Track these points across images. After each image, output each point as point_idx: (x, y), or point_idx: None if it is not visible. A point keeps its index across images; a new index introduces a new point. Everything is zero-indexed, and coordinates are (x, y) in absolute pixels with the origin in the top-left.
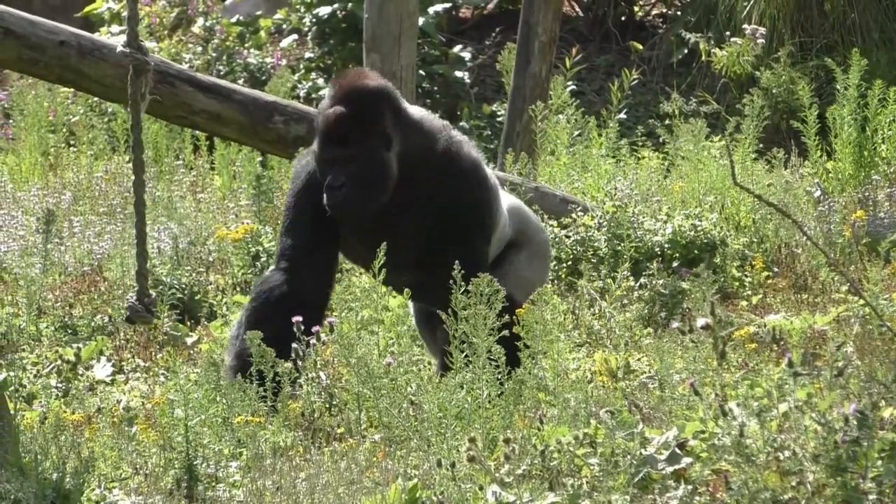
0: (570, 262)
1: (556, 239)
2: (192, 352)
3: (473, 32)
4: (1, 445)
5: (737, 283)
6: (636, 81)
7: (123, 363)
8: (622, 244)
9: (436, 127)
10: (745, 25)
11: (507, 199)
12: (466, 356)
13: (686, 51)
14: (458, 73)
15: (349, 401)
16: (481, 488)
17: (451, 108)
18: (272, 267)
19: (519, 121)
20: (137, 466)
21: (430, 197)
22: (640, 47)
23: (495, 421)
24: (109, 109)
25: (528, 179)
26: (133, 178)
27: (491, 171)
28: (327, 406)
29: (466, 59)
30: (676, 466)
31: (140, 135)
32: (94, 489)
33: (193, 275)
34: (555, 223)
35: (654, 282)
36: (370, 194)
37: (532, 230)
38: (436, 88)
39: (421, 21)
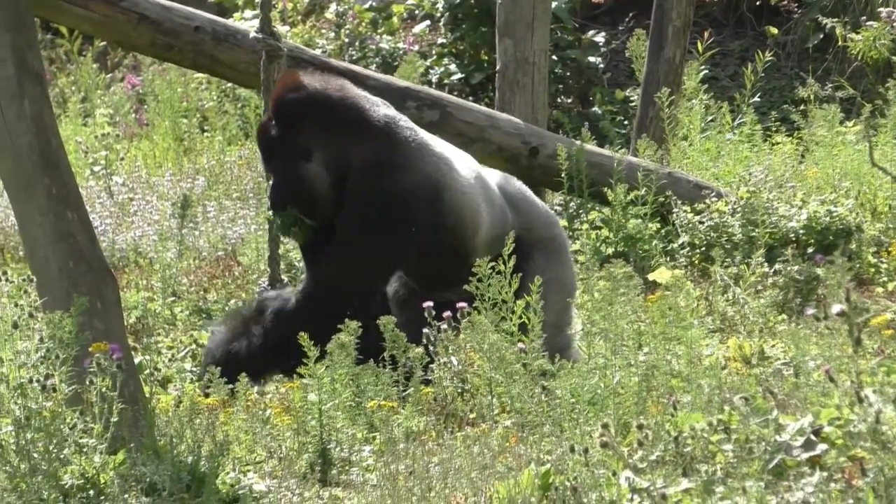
0: (703, 248)
1: (689, 225)
2: None
3: (607, 17)
4: (136, 429)
5: (872, 270)
6: (769, 65)
7: None
8: (756, 230)
9: (374, 131)
10: (882, 9)
11: (500, 190)
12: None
13: (822, 35)
14: (592, 59)
15: (481, 386)
16: (614, 474)
17: (584, 94)
18: None
19: (652, 106)
20: (272, 450)
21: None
22: (776, 31)
23: (628, 407)
24: (242, 95)
25: (660, 165)
26: (264, 163)
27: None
28: (459, 391)
29: (600, 44)
30: (811, 453)
31: None
32: (228, 473)
33: None
34: (688, 208)
35: (788, 268)
36: (297, 208)
37: (540, 226)
38: (568, 74)
39: (554, 5)
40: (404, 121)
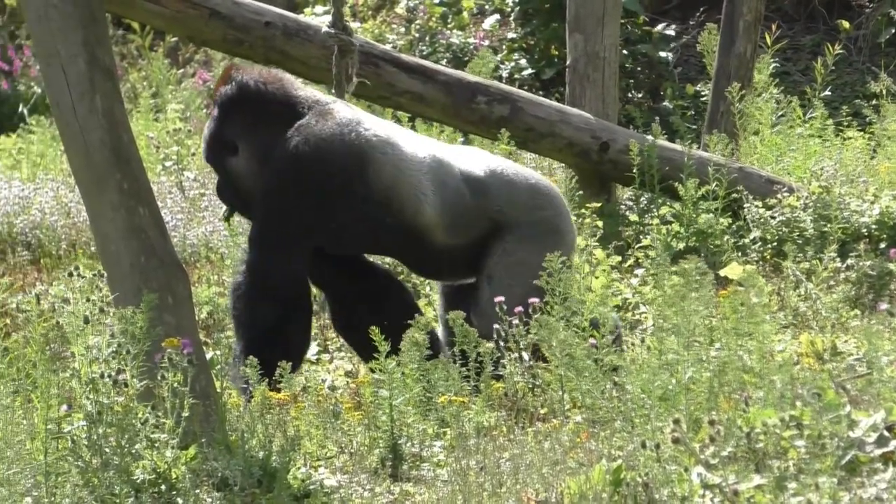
0: (774, 243)
1: (761, 220)
2: None
3: (677, 12)
4: (208, 424)
5: None
6: (840, 59)
7: (328, 342)
8: (828, 225)
9: (299, 117)
10: None
11: (480, 169)
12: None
13: (893, 30)
14: (662, 53)
15: (552, 381)
16: (686, 470)
17: (655, 89)
18: None
19: (722, 101)
20: (342, 445)
21: None
22: (848, 26)
23: (699, 402)
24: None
25: (731, 159)
26: None
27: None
28: (530, 387)
29: (670, 38)
30: (885, 449)
31: None
32: (299, 468)
33: None
34: (759, 203)
35: (860, 263)
36: (234, 198)
37: (521, 208)
38: (639, 68)
39: (624, 0)
40: (335, 103)
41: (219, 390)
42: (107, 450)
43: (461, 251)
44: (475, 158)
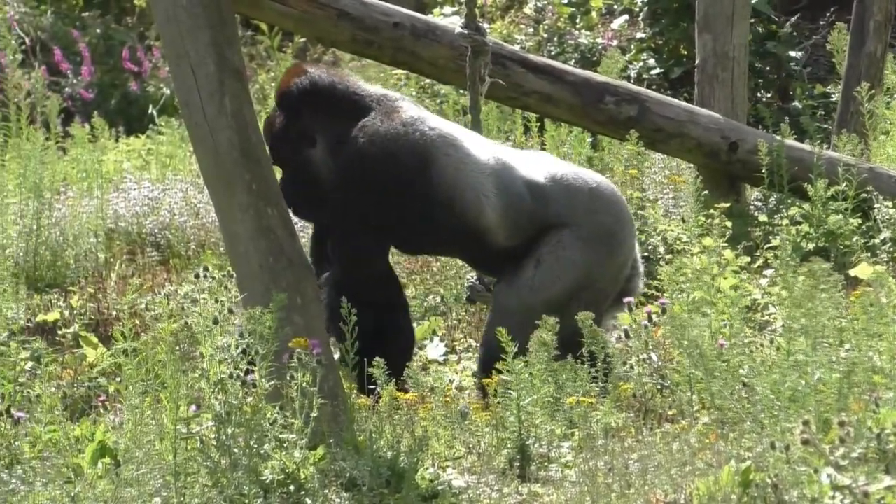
0: None
1: (891, 220)
2: None
3: (807, 11)
4: (337, 424)
5: None
6: None
7: (456, 343)
8: None
9: (368, 110)
10: None
11: (542, 174)
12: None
13: None
14: (791, 53)
15: (681, 382)
16: (816, 471)
17: (784, 89)
18: None
19: (852, 101)
20: (470, 446)
21: None
22: None
23: (829, 404)
24: (442, 91)
25: (861, 160)
26: None
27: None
28: (659, 387)
29: (800, 38)
30: None
31: (478, 115)
32: (427, 468)
33: None
34: (890, 203)
35: None
36: (303, 195)
37: (580, 213)
38: (768, 68)
39: (754, 0)
40: (402, 100)
41: (346, 390)
42: (235, 450)
43: (519, 250)
44: (538, 164)
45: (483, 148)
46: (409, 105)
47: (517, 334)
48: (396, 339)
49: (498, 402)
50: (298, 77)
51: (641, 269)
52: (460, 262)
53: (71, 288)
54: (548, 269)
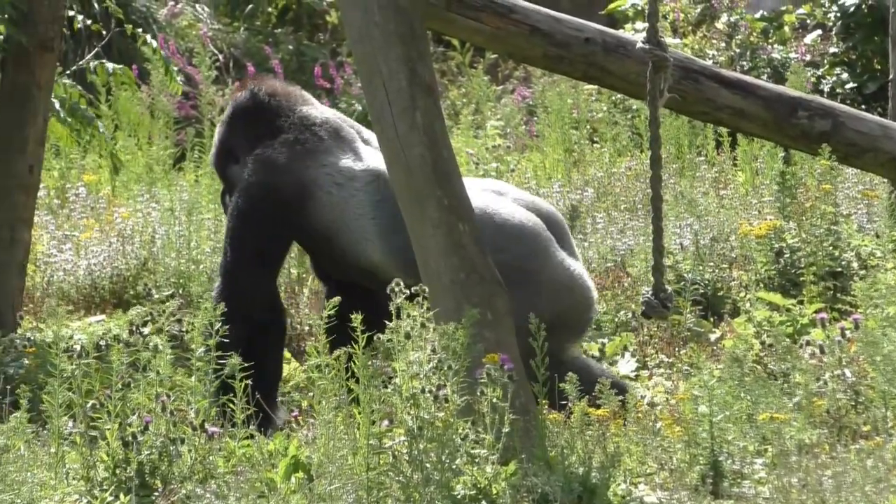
0: None
1: None
2: (715, 348)
3: None
4: (528, 440)
5: None
6: None
7: (647, 359)
8: None
9: (279, 133)
10: None
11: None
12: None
13: None
14: None
15: (875, 398)
16: None
17: None
18: None
19: None
20: (662, 462)
21: None
22: None
23: None
24: (633, 106)
25: None
26: (650, 173)
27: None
28: (853, 403)
29: None
30: None
31: (658, 130)
32: (619, 484)
33: (716, 271)
34: None
35: None
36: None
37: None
38: None
39: None
40: (323, 127)
41: (538, 406)
42: (427, 465)
43: None
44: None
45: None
46: (326, 135)
47: None
48: (263, 361)
49: (690, 418)
50: (240, 90)
51: (588, 293)
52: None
53: None
54: None
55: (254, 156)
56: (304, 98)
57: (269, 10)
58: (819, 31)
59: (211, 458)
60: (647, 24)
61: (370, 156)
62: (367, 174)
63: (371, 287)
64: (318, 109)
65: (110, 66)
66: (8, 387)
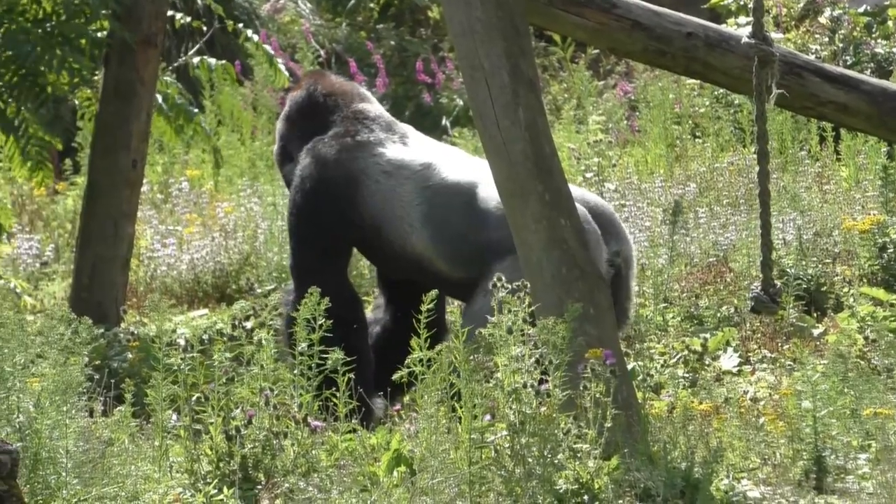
0: None
1: None
2: (818, 343)
3: None
4: (630, 435)
5: None
6: None
7: (750, 354)
8: None
9: (328, 129)
10: None
11: (489, 200)
12: None
13: None
14: None
15: None
16: None
17: None
18: None
19: None
20: (765, 457)
21: None
22: None
23: None
24: (736, 101)
25: None
26: (758, 168)
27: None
28: None
29: None
30: None
31: (764, 126)
32: (722, 479)
33: (819, 266)
34: None
35: None
36: None
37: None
38: None
39: None
40: (375, 122)
41: (640, 400)
42: (529, 459)
43: (474, 279)
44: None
45: (443, 173)
46: (377, 128)
47: None
48: (355, 356)
49: (794, 414)
50: (294, 88)
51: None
52: (755, 272)
53: (365, 298)
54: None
55: (304, 151)
56: (361, 95)
57: (371, 5)
58: None
59: (314, 451)
60: (750, 19)
61: (422, 146)
62: (417, 163)
63: (422, 280)
64: (374, 105)
65: (212, 61)
66: (112, 381)
